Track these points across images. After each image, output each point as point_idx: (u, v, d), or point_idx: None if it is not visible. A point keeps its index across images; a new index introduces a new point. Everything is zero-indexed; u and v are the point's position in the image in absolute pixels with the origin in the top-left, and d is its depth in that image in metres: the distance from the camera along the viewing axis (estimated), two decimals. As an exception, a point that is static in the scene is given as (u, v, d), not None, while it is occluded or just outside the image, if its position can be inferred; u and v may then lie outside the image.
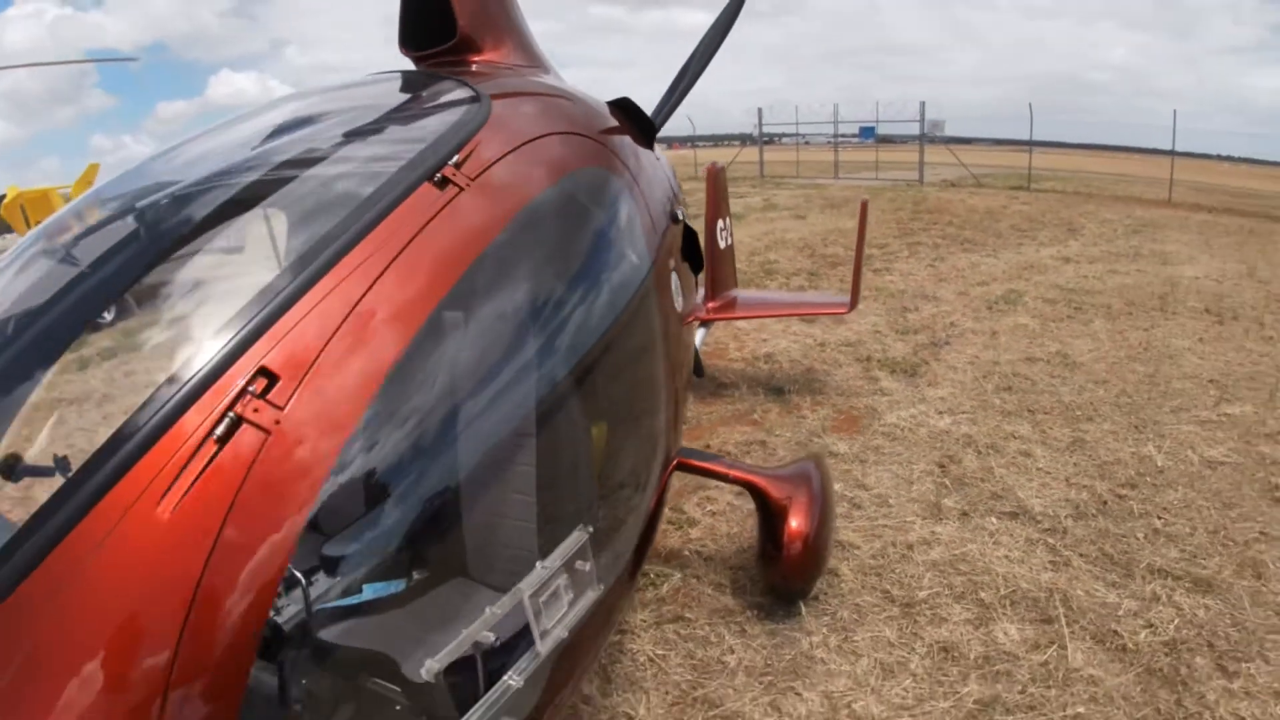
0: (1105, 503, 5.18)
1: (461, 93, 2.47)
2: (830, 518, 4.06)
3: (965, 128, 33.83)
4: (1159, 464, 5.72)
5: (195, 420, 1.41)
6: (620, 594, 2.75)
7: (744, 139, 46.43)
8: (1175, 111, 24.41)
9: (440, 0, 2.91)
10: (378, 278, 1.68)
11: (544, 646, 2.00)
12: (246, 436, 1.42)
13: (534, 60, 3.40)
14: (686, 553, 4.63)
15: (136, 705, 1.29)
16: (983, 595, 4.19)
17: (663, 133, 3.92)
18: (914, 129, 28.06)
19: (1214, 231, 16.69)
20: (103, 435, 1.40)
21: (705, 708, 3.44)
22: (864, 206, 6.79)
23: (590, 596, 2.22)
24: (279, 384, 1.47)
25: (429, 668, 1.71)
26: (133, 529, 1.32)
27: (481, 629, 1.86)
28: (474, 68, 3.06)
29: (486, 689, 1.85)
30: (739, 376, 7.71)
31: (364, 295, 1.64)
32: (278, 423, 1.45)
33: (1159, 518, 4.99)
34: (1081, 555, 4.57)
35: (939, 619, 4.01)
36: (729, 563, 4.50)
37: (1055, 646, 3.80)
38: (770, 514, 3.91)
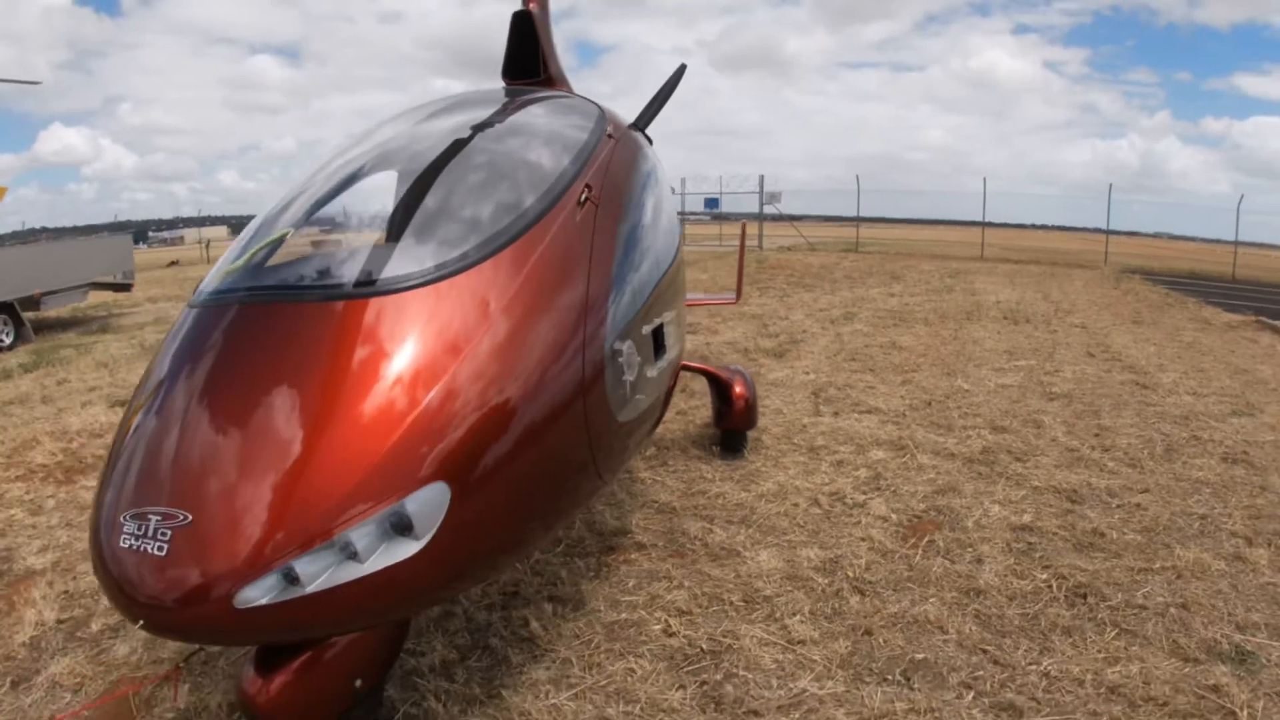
0: (930, 404, 7.38)
1: (588, 102, 4.29)
2: (756, 394, 5.97)
3: (797, 204, 37.74)
4: (966, 388, 8.02)
5: (576, 191, 3.13)
6: (656, 420, 4.34)
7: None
8: (985, 179, 29.00)
9: (532, 50, 4.79)
10: (609, 166, 3.50)
11: (669, 356, 3.81)
12: (590, 203, 3.16)
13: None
14: (651, 441, 6.38)
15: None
16: (858, 442, 6.19)
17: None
18: (754, 203, 31.44)
19: (1018, 275, 20.43)
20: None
21: (701, 494, 5.17)
22: (744, 226, 9.04)
23: (678, 347, 4.02)
24: (593, 191, 3.22)
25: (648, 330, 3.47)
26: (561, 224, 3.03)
27: (665, 321, 3.68)
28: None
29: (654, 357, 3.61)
30: (649, 366, 9.58)
31: (607, 170, 3.46)
32: (598, 203, 3.21)
33: (968, 408, 7.21)
34: (917, 424, 6.69)
35: (832, 451, 5.97)
36: (686, 441, 6.28)
37: (908, 455, 5.83)
38: (721, 387, 5.80)
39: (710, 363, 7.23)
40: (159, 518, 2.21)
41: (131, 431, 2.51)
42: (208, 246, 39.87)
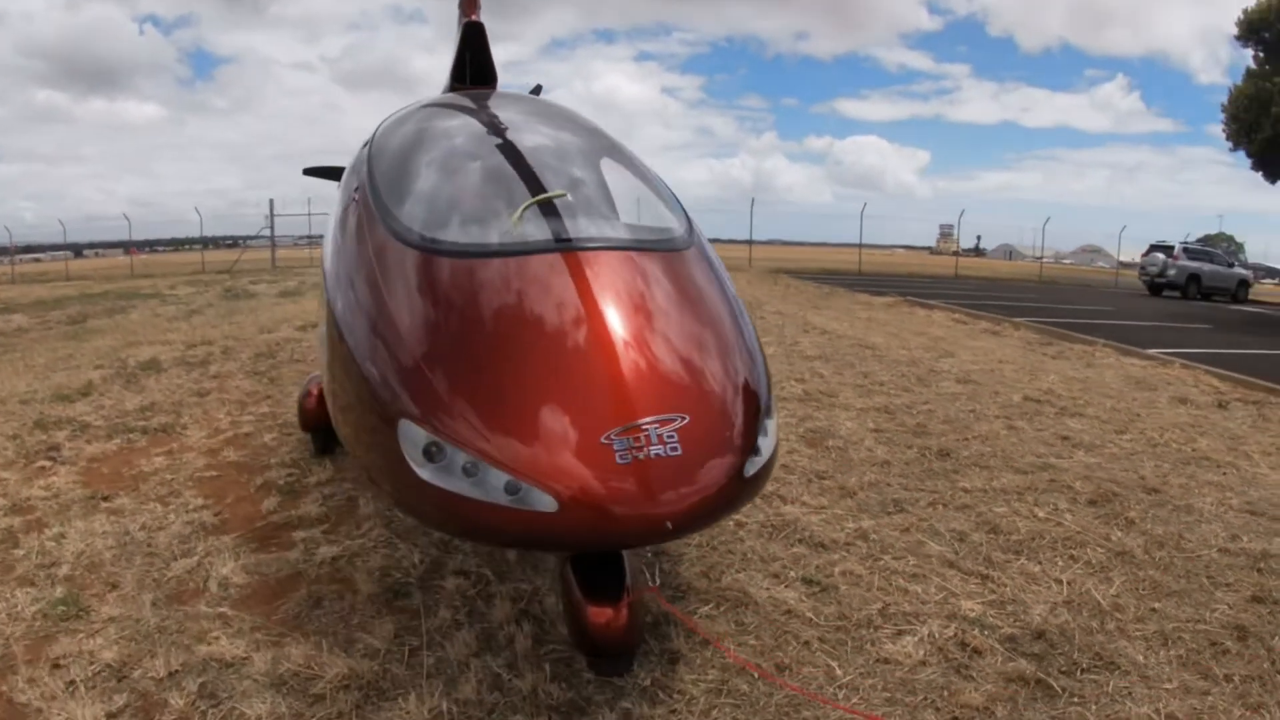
0: (807, 396, 9.41)
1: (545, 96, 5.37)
2: None
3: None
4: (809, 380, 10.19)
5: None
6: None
7: (237, 240, 42.55)
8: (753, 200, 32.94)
9: (485, 61, 5.58)
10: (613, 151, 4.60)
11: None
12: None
13: None
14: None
15: None
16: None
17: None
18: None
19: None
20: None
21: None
22: None
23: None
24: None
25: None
26: None
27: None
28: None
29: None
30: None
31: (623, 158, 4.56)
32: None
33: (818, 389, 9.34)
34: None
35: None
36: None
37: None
38: None
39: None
40: (655, 425, 2.48)
41: (515, 370, 2.63)
42: None
